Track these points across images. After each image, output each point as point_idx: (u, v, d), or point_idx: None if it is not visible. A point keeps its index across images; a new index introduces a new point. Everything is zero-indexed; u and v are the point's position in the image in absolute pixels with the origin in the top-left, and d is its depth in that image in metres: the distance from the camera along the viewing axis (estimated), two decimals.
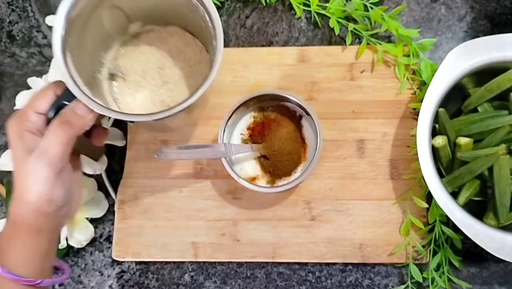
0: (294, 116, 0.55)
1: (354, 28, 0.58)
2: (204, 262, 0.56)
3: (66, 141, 0.39)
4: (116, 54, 0.54)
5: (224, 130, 0.51)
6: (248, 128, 0.55)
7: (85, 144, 0.49)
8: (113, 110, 0.43)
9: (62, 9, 0.42)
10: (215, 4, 0.46)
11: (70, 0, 0.43)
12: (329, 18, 0.59)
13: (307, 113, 0.52)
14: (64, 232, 0.52)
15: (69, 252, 0.57)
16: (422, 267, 0.54)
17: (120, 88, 0.53)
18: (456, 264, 0.53)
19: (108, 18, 0.49)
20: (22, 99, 0.55)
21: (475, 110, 0.52)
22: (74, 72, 0.43)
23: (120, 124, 0.58)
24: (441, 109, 0.50)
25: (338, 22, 0.59)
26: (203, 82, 0.43)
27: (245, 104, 0.52)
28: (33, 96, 0.41)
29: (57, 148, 0.39)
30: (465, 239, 0.49)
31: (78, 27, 0.45)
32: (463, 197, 0.49)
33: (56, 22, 0.42)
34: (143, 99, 0.53)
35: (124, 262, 0.57)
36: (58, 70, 0.42)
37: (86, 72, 0.47)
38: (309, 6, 0.60)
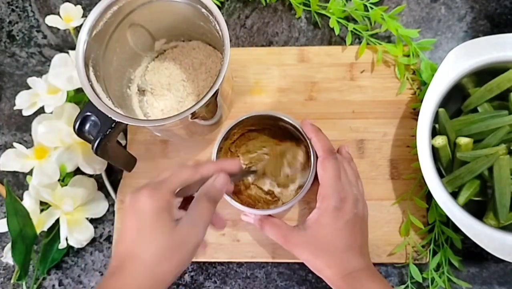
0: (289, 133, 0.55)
1: (354, 28, 0.58)
2: (204, 262, 0.56)
3: (209, 220, 0.39)
4: (144, 71, 0.57)
5: (216, 154, 0.51)
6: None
7: (120, 155, 0.50)
8: (131, 118, 0.45)
9: (85, 28, 0.45)
10: (215, 4, 0.46)
11: (92, 19, 0.45)
12: (329, 18, 0.59)
13: (303, 137, 0.51)
14: (64, 232, 0.52)
15: (69, 252, 0.57)
16: (422, 267, 0.54)
17: (149, 102, 0.56)
18: (456, 264, 0.53)
19: (132, 36, 0.52)
20: (22, 99, 0.55)
21: (475, 110, 0.52)
22: (96, 85, 0.46)
23: None
24: (441, 109, 0.50)
25: (338, 22, 0.59)
26: (209, 89, 0.44)
27: (239, 125, 0.52)
28: (175, 175, 0.40)
29: (205, 228, 0.39)
30: (465, 239, 0.49)
31: (100, 44, 0.48)
32: (463, 197, 0.49)
33: (79, 39, 0.45)
34: (169, 110, 0.55)
35: None
36: (80, 83, 0.44)
37: (114, 87, 0.51)
38: (309, 6, 0.60)
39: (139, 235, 0.37)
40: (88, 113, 0.45)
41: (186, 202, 0.40)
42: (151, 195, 0.37)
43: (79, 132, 0.45)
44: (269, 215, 0.51)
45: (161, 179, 0.39)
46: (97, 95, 0.44)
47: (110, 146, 0.46)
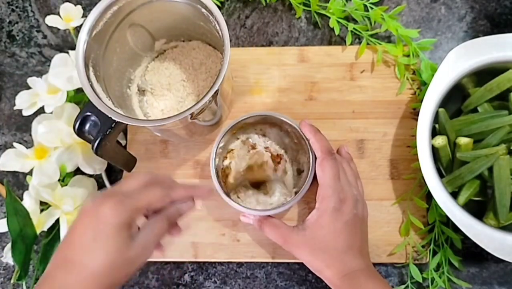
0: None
1: (354, 28, 0.58)
2: (204, 262, 0.56)
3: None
4: (144, 71, 0.57)
5: (215, 154, 0.51)
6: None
7: (120, 155, 0.50)
8: (131, 118, 0.45)
9: (85, 28, 0.45)
10: (215, 4, 0.46)
11: (92, 19, 0.45)
12: (329, 18, 0.59)
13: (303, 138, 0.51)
14: (64, 232, 0.52)
15: None
16: (422, 267, 0.54)
17: (149, 102, 0.56)
18: (456, 264, 0.53)
19: (132, 36, 0.52)
20: (22, 99, 0.55)
21: (475, 110, 0.52)
22: (96, 85, 0.45)
23: None
24: (441, 109, 0.50)
25: (338, 22, 0.59)
26: (209, 89, 0.44)
27: (234, 127, 0.52)
28: (150, 192, 0.39)
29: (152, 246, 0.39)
30: (465, 239, 0.49)
31: (100, 44, 0.48)
32: (463, 197, 0.49)
33: (79, 39, 0.45)
34: (169, 110, 0.55)
35: None
36: (80, 83, 0.44)
37: (114, 87, 0.51)
38: (309, 6, 0.60)
39: (91, 243, 0.36)
40: (88, 113, 0.45)
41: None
42: (115, 208, 0.36)
43: (79, 132, 0.45)
44: (268, 216, 0.51)
45: (129, 193, 0.38)
46: (97, 95, 0.44)
47: (110, 145, 0.46)
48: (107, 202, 0.36)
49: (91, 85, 0.45)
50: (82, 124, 0.45)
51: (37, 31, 0.64)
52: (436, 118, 0.51)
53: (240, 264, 0.56)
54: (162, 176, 0.42)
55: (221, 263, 0.56)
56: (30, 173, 0.53)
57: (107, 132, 0.44)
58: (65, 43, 0.63)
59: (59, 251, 0.37)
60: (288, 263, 0.56)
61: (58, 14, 0.57)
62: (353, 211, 0.47)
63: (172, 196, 0.40)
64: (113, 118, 0.43)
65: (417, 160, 0.49)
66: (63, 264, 0.36)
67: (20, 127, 0.61)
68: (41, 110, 0.54)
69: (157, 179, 0.41)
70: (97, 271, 0.35)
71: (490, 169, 0.48)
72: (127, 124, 0.44)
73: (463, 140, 0.49)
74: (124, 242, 0.36)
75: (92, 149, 0.44)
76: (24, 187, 0.59)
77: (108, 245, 0.36)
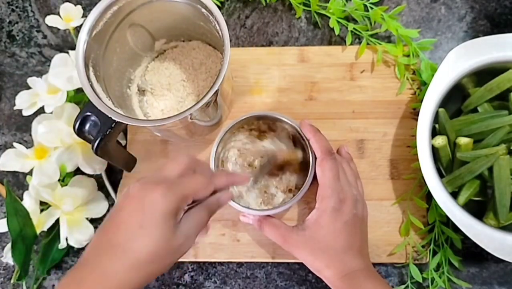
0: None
1: (354, 28, 0.58)
2: (204, 262, 0.56)
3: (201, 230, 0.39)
4: (144, 71, 0.57)
5: (215, 153, 0.51)
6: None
7: (120, 155, 0.50)
8: (131, 118, 0.45)
9: (85, 28, 0.45)
10: (215, 4, 0.46)
11: (92, 19, 0.45)
12: (329, 18, 0.59)
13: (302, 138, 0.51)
14: (64, 232, 0.52)
15: (69, 252, 0.57)
16: (422, 267, 0.54)
17: (149, 102, 0.56)
18: (456, 264, 0.53)
19: (132, 36, 0.52)
20: (22, 99, 0.55)
21: (475, 110, 0.52)
22: (96, 85, 0.45)
23: None
24: (441, 109, 0.50)
25: (338, 22, 0.59)
26: (209, 89, 0.44)
27: (237, 125, 0.52)
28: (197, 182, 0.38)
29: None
30: (465, 239, 0.49)
31: (100, 44, 0.48)
32: (463, 197, 0.49)
33: (79, 39, 0.45)
34: (169, 110, 0.55)
35: None
36: (80, 83, 0.44)
37: (114, 87, 0.51)
38: (309, 6, 0.60)
39: (138, 230, 0.35)
40: (88, 113, 0.45)
41: None
42: (165, 194, 0.35)
43: (79, 132, 0.45)
44: (268, 216, 0.51)
45: (176, 180, 0.37)
46: (97, 95, 0.44)
47: (110, 145, 0.46)
48: (156, 188, 0.35)
49: (91, 85, 0.45)
50: (82, 124, 0.45)
51: (37, 31, 0.64)
52: (436, 118, 0.51)
53: (240, 264, 0.56)
54: (199, 159, 0.41)
55: (221, 263, 0.56)
56: (30, 173, 0.53)
57: (107, 132, 0.44)
58: (65, 43, 0.63)
59: (101, 233, 0.36)
60: (288, 263, 0.56)
61: (58, 14, 0.57)
62: (353, 211, 0.47)
63: (215, 184, 0.40)
64: (113, 118, 0.43)
65: (417, 160, 0.49)
66: (107, 248, 0.35)
67: (20, 127, 0.61)
68: (41, 110, 0.54)
69: (198, 161, 0.40)
70: (143, 258, 0.34)
71: (490, 169, 0.48)
72: (127, 124, 0.44)
73: (463, 140, 0.49)
74: (170, 230, 0.36)
75: (92, 149, 0.44)
76: (24, 187, 0.59)
77: (155, 232, 0.35)
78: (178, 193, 0.36)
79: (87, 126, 0.45)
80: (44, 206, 0.54)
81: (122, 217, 0.36)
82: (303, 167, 0.54)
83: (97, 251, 0.36)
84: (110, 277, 0.34)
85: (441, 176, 0.49)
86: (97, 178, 0.57)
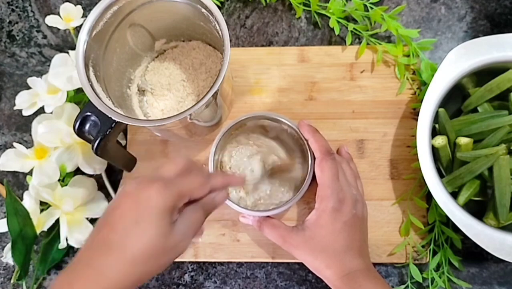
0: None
1: (354, 28, 0.58)
2: (204, 262, 0.56)
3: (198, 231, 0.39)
4: (144, 71, 0.57)
5: (214, 154, 0.51)
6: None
7: (120, 155, 0.51)
8: (131, 118, 0.45)
9: (85, 28, 0.45)
10: (215, 4, 0.46)
11: (92, 19, 0.45)
12: (329, 18, 0.59)
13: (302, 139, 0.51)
14: (64, 232, 0.52)
15: (69, 252, 0.57)
16: (422, 267, 0.54)
17: (149, 102, 0.56)
18: (456, 264, 0.53)
19: (132, 36, 0.52)
20: (22, 99, 0.55)
21: (475, 110, 0.52)
22: (96, 85, 0.45)
23: None
24: (441, 109, 0.50)
25: (338, 22, 0.59)
26: (209, 89, 0.44)
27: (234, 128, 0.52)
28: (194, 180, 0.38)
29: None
30: (465, 239, 0.49)
31: (100, 44, 0.47)
32: (463, 197, 0.49)
33: (79, 39, 0.45)
34: (169, 110, 0.55)
35: None
36: (80, 83, 0.44)
37: (114, 87, 0.51)
38: (309, 6, 0.60)
39: (134, 226, 0.35)
40: (88, 113, 0.45)
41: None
42: (161, 192, 0.35)
43: (79, 132, 0.45)
44: (268, 216, 0.51)
45: (172, 179, 0.37)
46: (97, 95, 0.44)
47: (110, 145, 0.46)
48: (152, 185, 0.35)
49: (91, 85, 0.45)
50: (82, 124, 0.45)
51: (37, 31, 0.64)
52: (436, 118, 0.51)
53: (240, 264, 0.56)
54: (196, 162, 0.41)
55: (221, 263, 0.56)
56: (30, 173, 0.53)
57: (107, 132, 0.44)
58: (65, 43, 0.63)
59: (97, 231, 0.36)
60: (288, 263, 0.56)
61: (58, 14, 0.57)
62: (352, 211, 0.47)
63: (212, 184, 0.40)
64: (113, 118, 0.43)
65: (417, 160, 0.49)
66: (103, 245, 0.35)
67: (20, 127, 0.61)
68: (41, 110, 0.54)
69: (195, 164, 0.40)
70: (138, 255, 0.34)
71: (490, 169, 0.48)
72: (127, 124, 0.44)
73: (463, 140, 0.49)
74: (166, 227, 0.35)
75: (92, 149, 0.44)
76: (24, 187, 0.59)
77: (151, 229, 0.35)
78: (174, 190, 0.36)
79: (87, 126, 0.45)
80: (44, 206, 0.54)
81: (117, 214, 0.35)
82: (303, 167, 0.54)
83: (91, 249, 0.35)
84: (104, 274, 0.33)
85: (441, 176, 0.49)
86: (97, 178, 0.57)
